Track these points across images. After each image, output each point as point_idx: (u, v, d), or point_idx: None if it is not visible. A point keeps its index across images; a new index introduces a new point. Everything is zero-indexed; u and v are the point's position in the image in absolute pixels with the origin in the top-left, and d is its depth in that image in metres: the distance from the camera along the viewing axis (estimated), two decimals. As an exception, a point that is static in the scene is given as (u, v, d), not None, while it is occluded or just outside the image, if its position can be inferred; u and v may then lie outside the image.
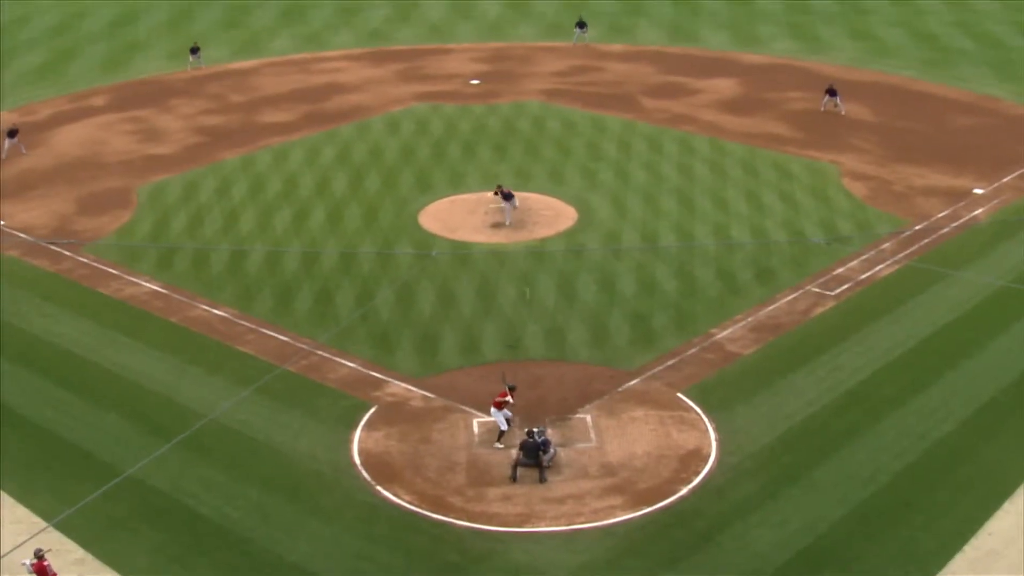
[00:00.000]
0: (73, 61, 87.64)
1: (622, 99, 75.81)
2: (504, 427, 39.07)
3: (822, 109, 72.48)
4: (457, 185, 61.67)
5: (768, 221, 56.51)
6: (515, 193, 57.25)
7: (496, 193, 57.00)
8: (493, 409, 39.38)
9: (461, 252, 53.46)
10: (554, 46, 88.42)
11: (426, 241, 54.76)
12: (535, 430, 37.96)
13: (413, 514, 36.08)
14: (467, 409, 41.30)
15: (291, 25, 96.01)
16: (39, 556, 32.74)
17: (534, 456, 37.42)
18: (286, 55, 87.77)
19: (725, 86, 78.36)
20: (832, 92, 72.44)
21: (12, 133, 68.38)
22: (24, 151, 68.29)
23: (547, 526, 35.64)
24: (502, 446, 39.09)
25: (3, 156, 67.76)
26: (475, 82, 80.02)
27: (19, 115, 72.63)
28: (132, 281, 51.63)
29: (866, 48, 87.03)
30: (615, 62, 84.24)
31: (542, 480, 37.33)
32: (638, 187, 60.94)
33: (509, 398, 39.64)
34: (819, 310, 47.96)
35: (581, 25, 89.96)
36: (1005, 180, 61.52)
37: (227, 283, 51.16)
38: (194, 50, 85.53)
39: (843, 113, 71.78)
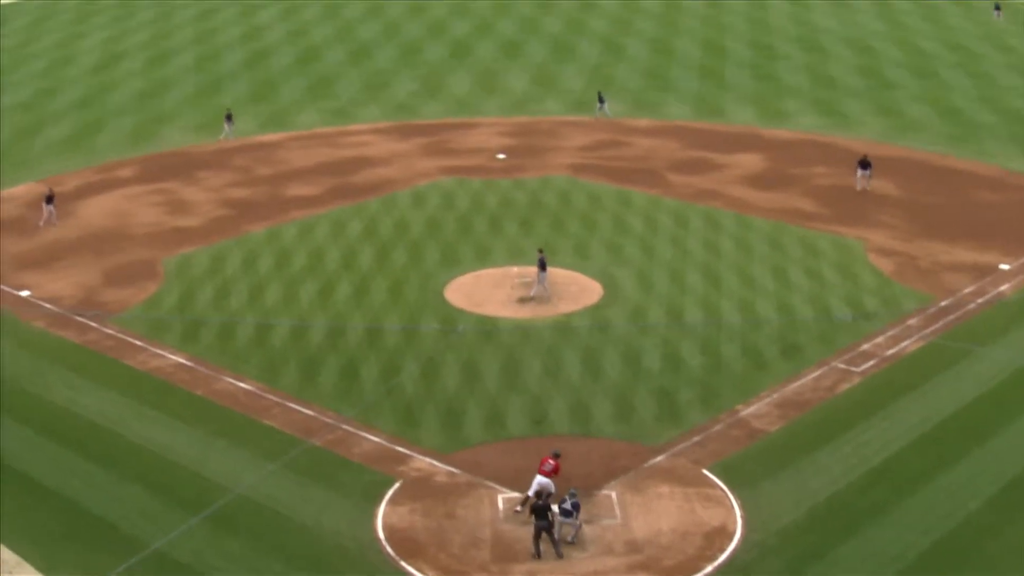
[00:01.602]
0: (100, 133, 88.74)
1: (648, 174, 76.38)
2: (530, 491, 39.03)
3: (858, 188, 72.15)
4: (483, 259, 62.16)
5: (794, 297, 56.78)
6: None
7: (539, 257, 56.97)
8: (538, 475, 39.36)
9: (486, 327, 53.83)
10: (580, 121, 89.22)
11: (451, 316, 55.17)
12: (568, 493, 38.32)
13: (437, 589, 36.22)
14: (492, 485, 41.50)
15: (318, 99, 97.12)
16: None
17: (544, 517, 37.48)
18: (313, 129, 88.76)
19: (751, 161, 78.90)
20: (864, 165, 72.33)
21: (49, 199, 69.36)
22: (55, 221, 69.11)
23: (571, 603, 35.73)
24: (520, 509, 39.32)
25: (42, 223, 68.69)
26: (501, 156, 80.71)
27: (46, 186, 73.31)
28: (157, 353, 52.12)
29: (891, 124, 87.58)
30: (641, 137, 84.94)
31: (558, 555, 37.43)
32: (664, 262, 61.33)
33: (550, 461, 39.72)
34: (845, 386, 48.11)
35: (601, 100, 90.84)
36: (1032, 257, 61.78)
37: (252, 356, 51.61)
38: (228, 117, 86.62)
39: (859, 188, 71.78)
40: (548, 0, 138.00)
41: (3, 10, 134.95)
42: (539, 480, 39.23)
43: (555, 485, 39.50)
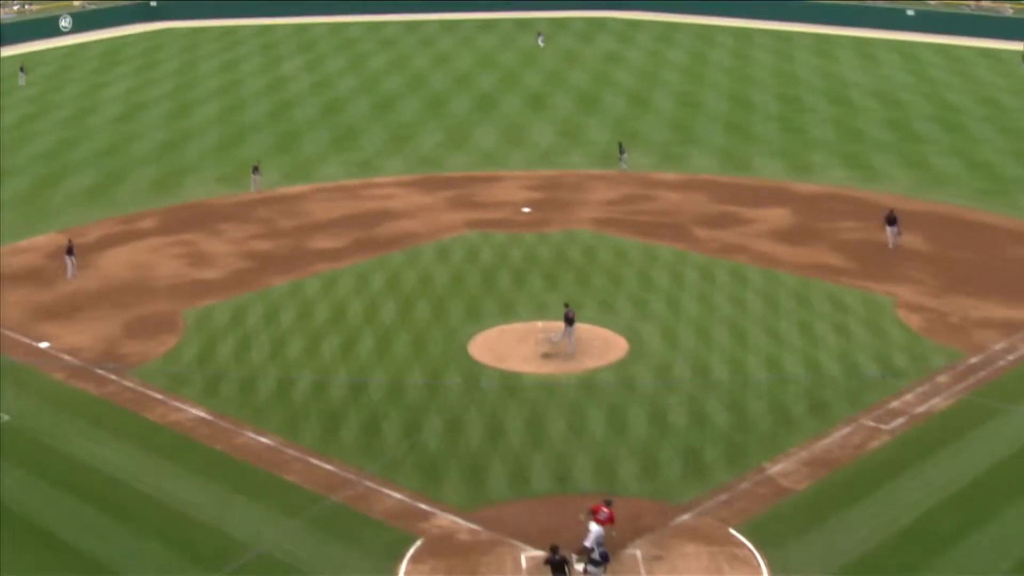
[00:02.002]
0: (123, 183, 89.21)
1: (674, 228, 76.37)
2: (586, 542, 38.66)
3: (890, 247, 71.84)
4: (507, 314, 62.14)
5: (822, 353, 56.56)
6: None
7: (565, 312, 56.93)
8: (592, 524, 38.95)
9: (510, 383, 53.73)
10: (605, 174, 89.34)
11: (475, 371, 55.10)
12: (597, 542, 38.14)
13: (458, 650, 35.97)
14: (515, 543, 41.28)
15: (342, 151, 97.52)
16: None
17: (561, 572, 37.23)
18: (337, 181, 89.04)
19: (778, 215, 78.84)
20: (891, 221, 72.06)
21: (69, 250, 69.67)
22: (75, 272, 69.38)
23: (595, 664, 35.39)
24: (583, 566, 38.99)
25: (69, 276, 69.00)
26: (526, 210, 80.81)
27: (67, 237, 73.59)
28: (177, 407, 52.16)
29: (920, 177, 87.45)
30: (667, 191, 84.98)
31: None
32: (690, 318, 61.21)
33: (604, 509, 39.50)
34: (874, 444, 47.83)
35: (621, 150, 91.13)
36: (1064, 313, 61.46)
37: (273, 411, 51.60)
38: (256, 169, 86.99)
39: (890, 246, 71.56)
40: (573, 53, 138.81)
41: (27, 59, 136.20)
42: (594, 529, 38.85)
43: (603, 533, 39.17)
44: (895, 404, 51.26)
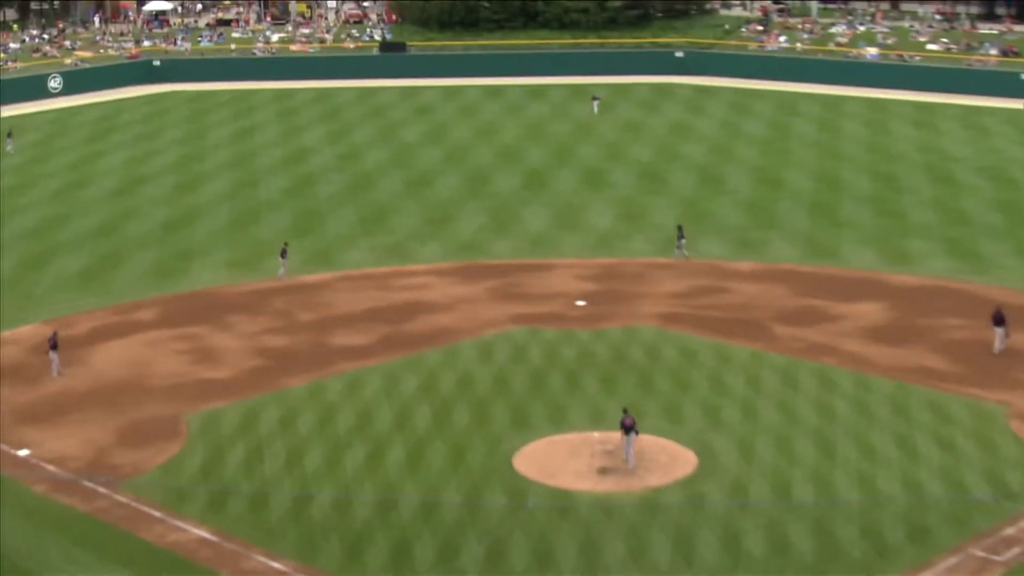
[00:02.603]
0: (119, 268, 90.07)
1: (750, 325, 76.39)
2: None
3: (995, 349, 71.60)
4: (558, 423, 62.17)
5: (922, 471, 56.25)
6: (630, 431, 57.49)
7: (623, 420, 56.96)
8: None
9: (561, 502, 53.66)
10: (671, 263, 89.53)
11: (521, 488, 55.04)
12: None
13: None
14: None
15: (371, 234, 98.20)
16: None
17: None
18: (364, 268, 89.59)
19: (871, 311, 78.76)
20: (999, 321, 71.88)
21: (54, 345, 70.13)
22: (60, 369, 69.82)
23: None
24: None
25: (54, 373, 69.47)
26: (581, 303, 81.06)
27: (55, 328, 73.97)
28: (177, 526, 52.26)
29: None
30: (742, 282, 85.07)
31: None
32: (768, 428, 61.07)
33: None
34: (985, 579, 47.48)
35: (680, 235, 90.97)
36: None
37: (288, 531, 51.64)
38: (284, 252, 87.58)
39: (996, 350, 71.23)
40: (636, 123, 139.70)
41: (11, 123, 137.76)
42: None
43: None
44: (1010, 531, 50.84)
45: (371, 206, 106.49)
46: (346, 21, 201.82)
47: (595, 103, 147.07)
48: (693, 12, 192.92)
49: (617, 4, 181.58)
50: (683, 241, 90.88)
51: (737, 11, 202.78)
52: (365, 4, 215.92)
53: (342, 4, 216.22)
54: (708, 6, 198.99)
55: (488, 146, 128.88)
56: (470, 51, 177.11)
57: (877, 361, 70.25)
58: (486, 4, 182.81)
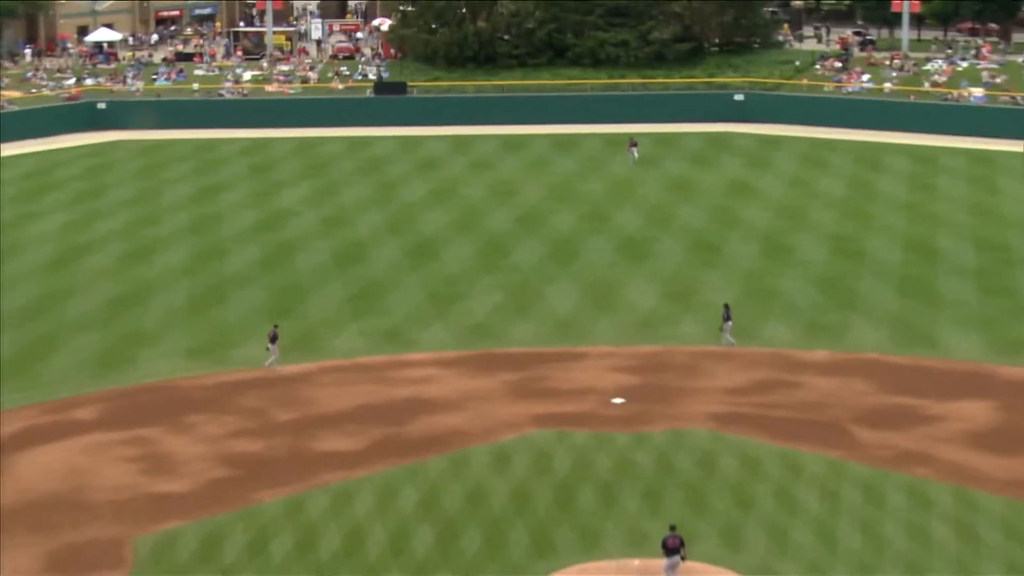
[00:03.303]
0: (53, 355, 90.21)
1: (826, 428, 76.36)
2: None
3: None
4: (589, 548, 62.19)
5: (1040, 610, 56.14)
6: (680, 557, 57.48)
7: (667, 540, 56.93)
8: None
9: (594, 646, 53.65)
10: (729, 351, 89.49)
11: (544, 628, 55.07)
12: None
13: None
14: None
15: (362, 316, 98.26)
16: None
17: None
18: (354, 357, 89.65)
19: (977, 412, 78.69)
20: None
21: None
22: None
23: None
24: None
25: None
26: (618, 401, 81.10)
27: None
28: (124, 674, 52.26)
29: None
30: (816, 375, 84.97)
31: None
32: (849, 555, 61.01)
33: None
34: None
35: (726, 315, 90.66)
36: None
37: None
38: (274, 337, 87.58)
39: None
40: (685, 180, 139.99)
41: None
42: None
43: None
44: None
45: (363, 281, 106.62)
46: (334, 56, 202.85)
47: (633, 150, 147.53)
48: (756, 46, 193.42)
49: (663, 36, 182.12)
50: (729, 324, 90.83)
51: (810, 44, 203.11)
52: (358, 36, 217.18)
53: (329, 36, 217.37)
54: (774, 38, 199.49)
55: (506, 209, 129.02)
56: (484, 93, 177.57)
57: (985, 473, 70.14)
58: (505, 37, 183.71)
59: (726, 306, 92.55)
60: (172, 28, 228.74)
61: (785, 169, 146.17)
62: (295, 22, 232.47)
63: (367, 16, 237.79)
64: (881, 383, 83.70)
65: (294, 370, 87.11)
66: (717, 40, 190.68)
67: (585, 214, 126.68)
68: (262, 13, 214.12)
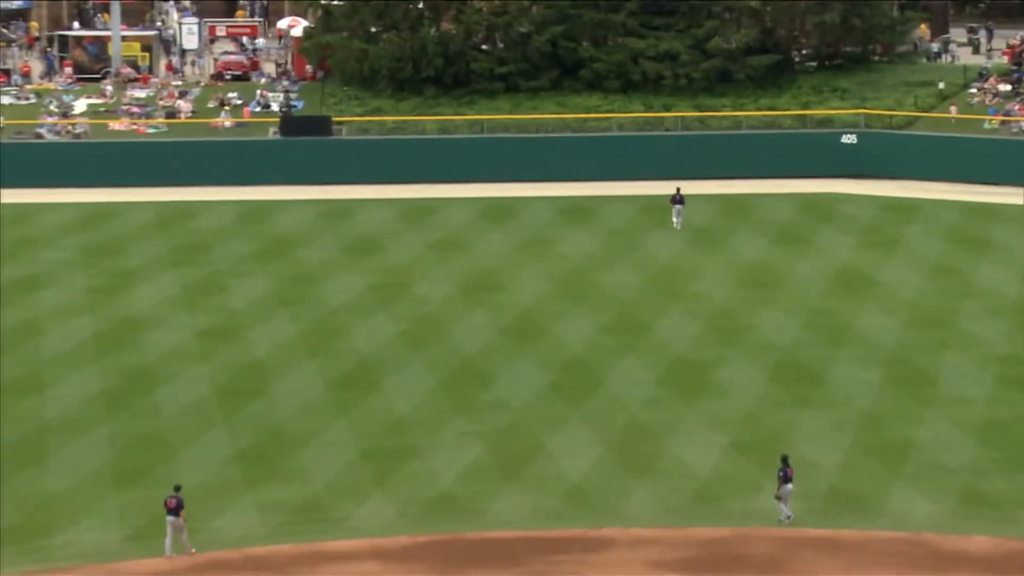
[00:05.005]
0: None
1: None
2: None
3: None
4: None
5: None
6: None
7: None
8: None
9: None
10: (837, 535, 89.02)
11: None
12: None
13: None
14: None
15: (260, 482, 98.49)
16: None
17: None
18: (244, 547, 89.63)
19: None
20: None
21: None
22: None
23: None
24: None
25: None
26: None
27: None
28: None
29: None
30: (972, 571, 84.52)
31: None
32: None
33: None
34: None
35: (785, 476, 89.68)
36: None
37: None
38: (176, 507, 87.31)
39: None
40: (764, 266, 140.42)
41: None
42: None
43: None
44: None
45: (262, 429, 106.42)
46: (218, 76, 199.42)
47: (676, 210, 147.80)
48: (876, 59, 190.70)
49: (731, 46, 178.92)
50: (788, 487, 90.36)
51: (965, 56, 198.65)
52: (255, 44, 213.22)
53: (211, 43, 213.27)
54: (905, 46, 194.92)
55: (486, 314, 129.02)
56: (452, 134, 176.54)
57: None
58: (484, 47, 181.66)
59: (784, 459, 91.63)
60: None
61: (924, 252, 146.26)
62: (157, 23, 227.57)
63: (268, 15, 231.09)
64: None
65: (140, 567, 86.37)
66: (815, 51, 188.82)
67: (609, 323, 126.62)
68: (104, 8, 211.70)
